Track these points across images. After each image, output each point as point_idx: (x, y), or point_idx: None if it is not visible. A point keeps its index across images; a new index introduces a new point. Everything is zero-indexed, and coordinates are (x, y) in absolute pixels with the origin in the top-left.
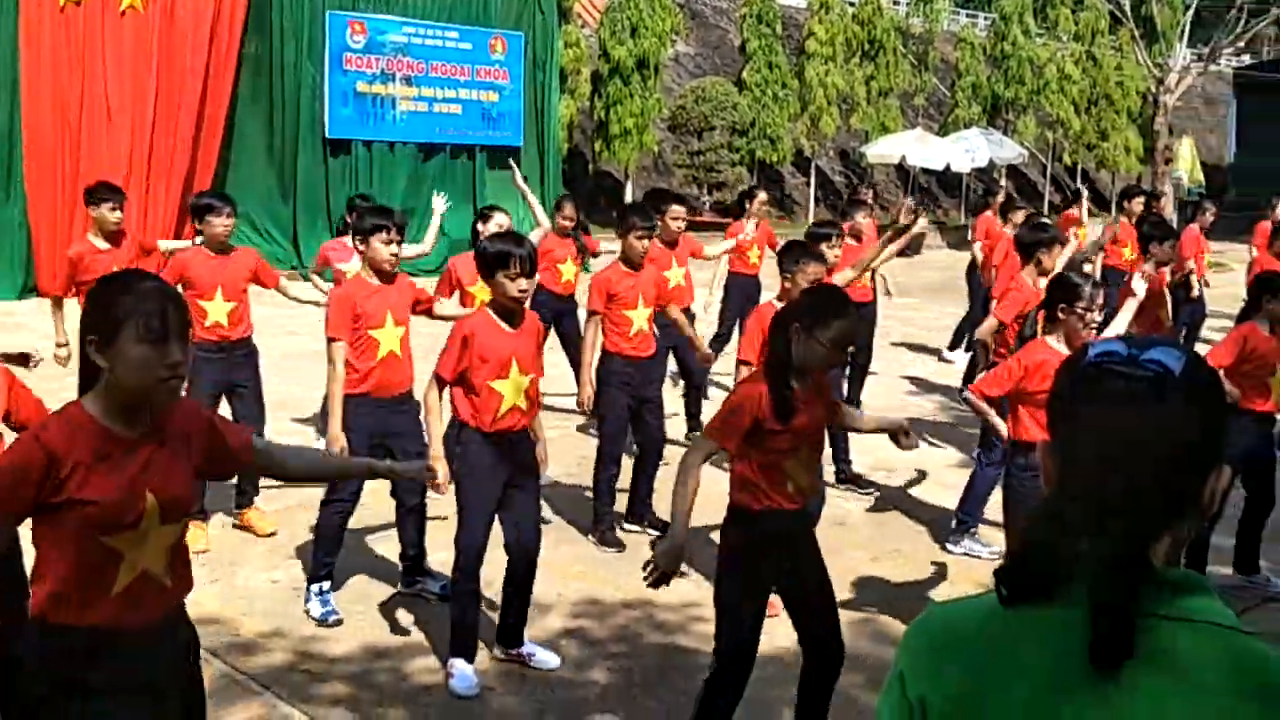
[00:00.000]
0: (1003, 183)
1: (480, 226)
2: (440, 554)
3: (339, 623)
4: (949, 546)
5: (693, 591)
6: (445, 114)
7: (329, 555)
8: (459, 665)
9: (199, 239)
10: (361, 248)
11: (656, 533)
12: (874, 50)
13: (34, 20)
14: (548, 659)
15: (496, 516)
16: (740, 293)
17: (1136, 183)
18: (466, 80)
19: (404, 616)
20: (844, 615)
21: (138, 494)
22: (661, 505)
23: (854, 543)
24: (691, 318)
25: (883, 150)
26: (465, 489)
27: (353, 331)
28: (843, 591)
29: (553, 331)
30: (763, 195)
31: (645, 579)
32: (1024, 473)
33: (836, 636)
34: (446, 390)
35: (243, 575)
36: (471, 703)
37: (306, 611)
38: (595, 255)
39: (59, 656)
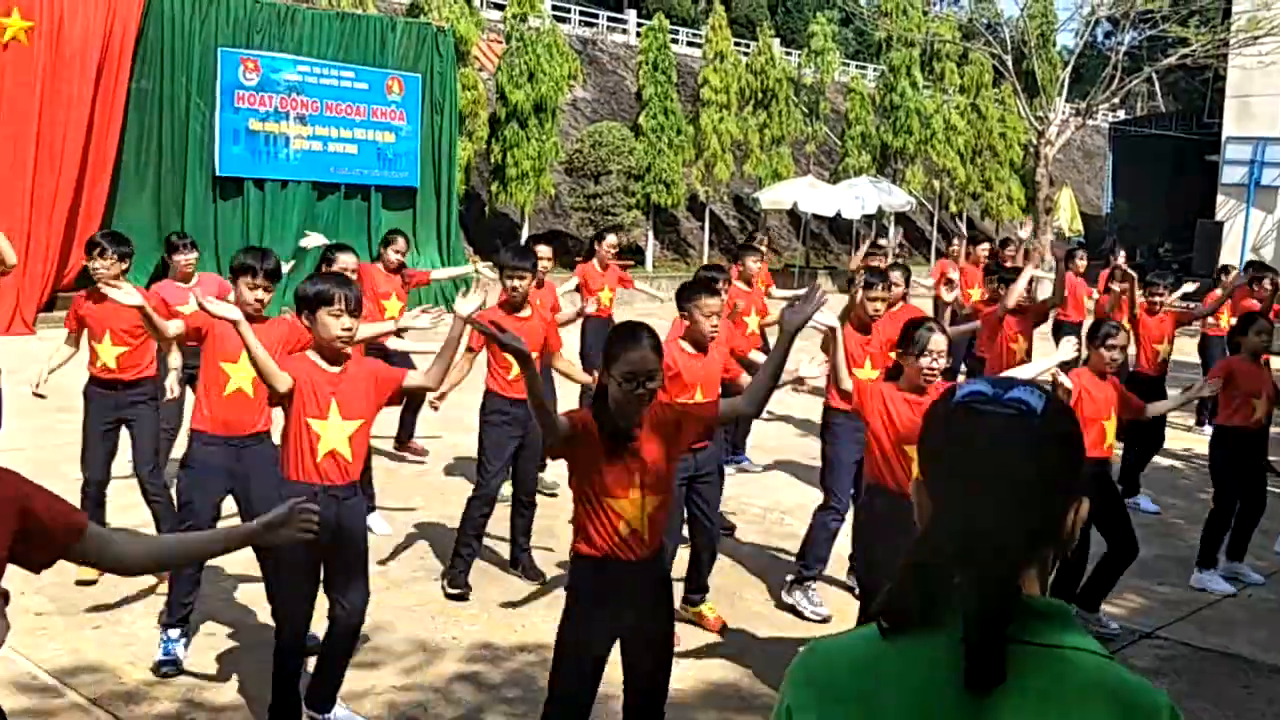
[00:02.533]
0: (891, 230)
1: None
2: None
3: (177, 673)
4: (783, 596)
5: None
6: (340, 154)
7: (188, 596)
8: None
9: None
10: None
11: (532, 581)
12: (767, 99)
13: None
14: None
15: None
16: (596, 337)
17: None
18: (362, 120)
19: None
20: (742, 657)
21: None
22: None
23: (750, 583)
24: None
25: (776, 196)
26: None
27: (204, 359)
28: (741, 632)
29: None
30: (612, 238)
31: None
32: (869, 512)
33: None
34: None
35: (127, 620)
36: None
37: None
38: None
39: None
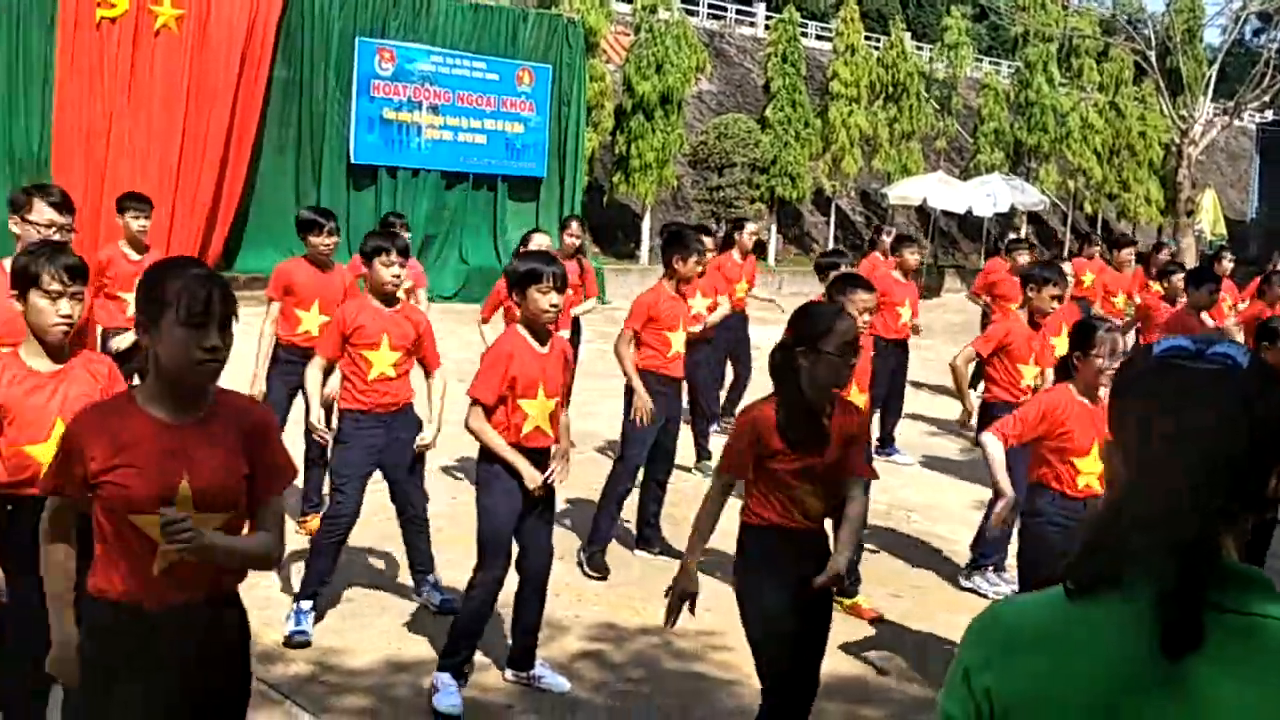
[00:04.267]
0: (1023, 229)
1: (521, 249)
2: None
3: (305, 644)
4: (961, 580)
5: (714, 621)
6: (469, 143)
7: (324, 573)
8: (444, 680)
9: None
10: (365, 269)
11: (669, 558)
12: (897, 93)
13: (70, 36)
14: (557, 682)
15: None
16: (728, 330)
17: (1158, 234)
18: (492, 110)
19: (423, 630)
20: (866, 651)
21: (170, 481)
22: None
23: (876, 578)
24: None
25: (904, 192)
26: (483, 506)
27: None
28: (861, 627)
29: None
30: (752, 226)
31: (665, 619)
32: (1037, 518)
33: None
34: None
35: (264, 584)
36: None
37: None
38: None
39: (97, 628)
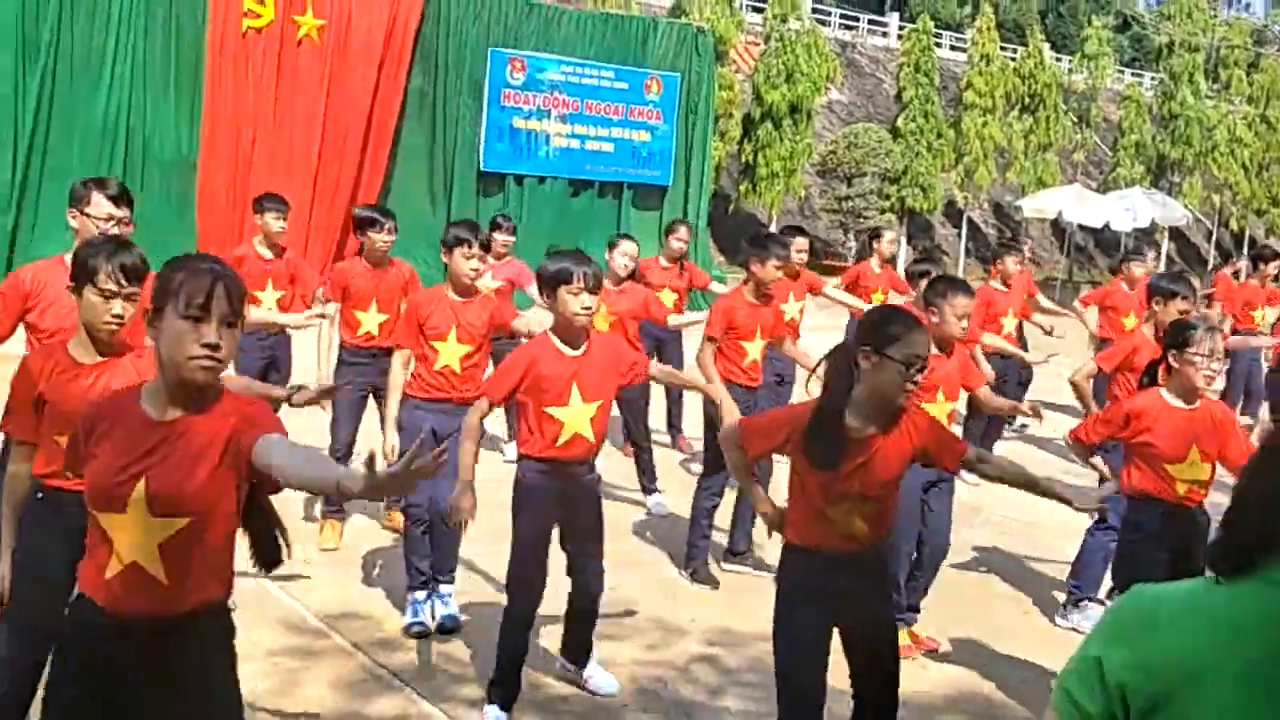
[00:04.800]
0: (1164, 245)
1: (608, 255)
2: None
3: (423, 634)
4: (1058, 620)
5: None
6: (596, 151)
7: (420, 560)
8: (493, 713)
9: None
10: (445, 259)
11: (760, 573)
12: (1034, 104)
13: (219, 45)
14: (607, 683)
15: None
16: None
17: None
18: (620, 119)
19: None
20: (990, 667)
21: (128, 477)
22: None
23: (1003, 595)
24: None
25: (1039, 205)
26: (515, 534)
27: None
28: (989, 643)
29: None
30: (890, 234)
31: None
32: (1136, 532)
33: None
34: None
35: (387, 574)
36: (606, 712)
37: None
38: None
39: (72, 622)
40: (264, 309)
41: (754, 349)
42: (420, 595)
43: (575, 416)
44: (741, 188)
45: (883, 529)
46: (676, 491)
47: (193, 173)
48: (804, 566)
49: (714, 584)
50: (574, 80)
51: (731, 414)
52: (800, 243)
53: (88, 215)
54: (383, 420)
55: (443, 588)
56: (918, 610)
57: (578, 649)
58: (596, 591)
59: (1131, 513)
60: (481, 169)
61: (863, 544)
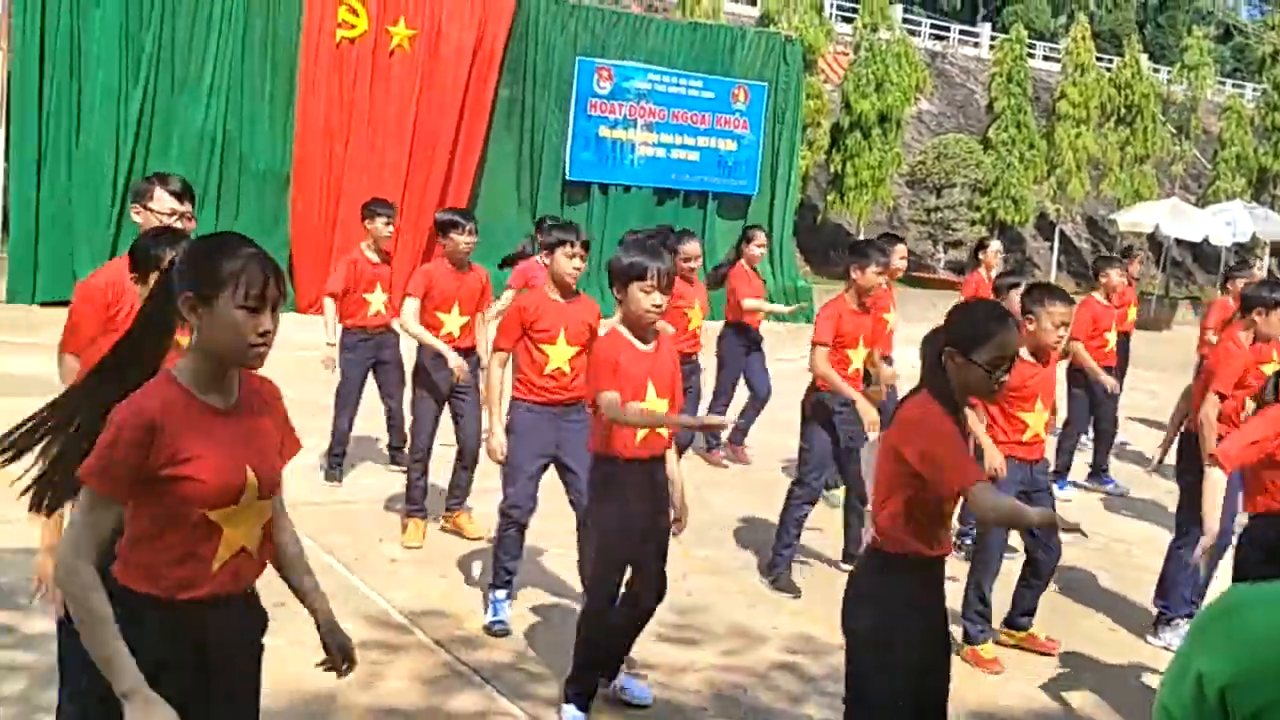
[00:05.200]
0: (1265, 260)
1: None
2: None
3: (504, 633)
4: (1149, 639)
5: None
6: (682, 160)
7: (509, 564)
8: (570, 712)
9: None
10: (547, 261)
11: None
12: (1130, 115)
13: (314, 56)
14: (642, 693)
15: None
16: None
17: None
18: (706, 128)
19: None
20: (1075, 681)
21: (238, 468)
22: None
23: (1084, 612)
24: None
25: (1135, 218)
26: (597, 531)
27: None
28: (1074, 657)
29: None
30: (996, 245)
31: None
32: (1257, 552)
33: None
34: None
35: (467, 574)
36: (681, 714)
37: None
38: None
39: (141, 628)
40: (372, 311)
41: (857, 358)
42: (502, 594)
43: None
44: (829, 198)
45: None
46: (758, 496)
47: (286, 182)
48: (918, 577)
49: (795, 592)
50: (660, 89)
51: (870, 419)
52: (901, 249)
53: (151, 210)
54: (490, 423)
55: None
56: (1032, 615)
57: (616, 660)
58: (653, 606)
59: (1262, 530)
60: (567, 178)
61: (948, 548)
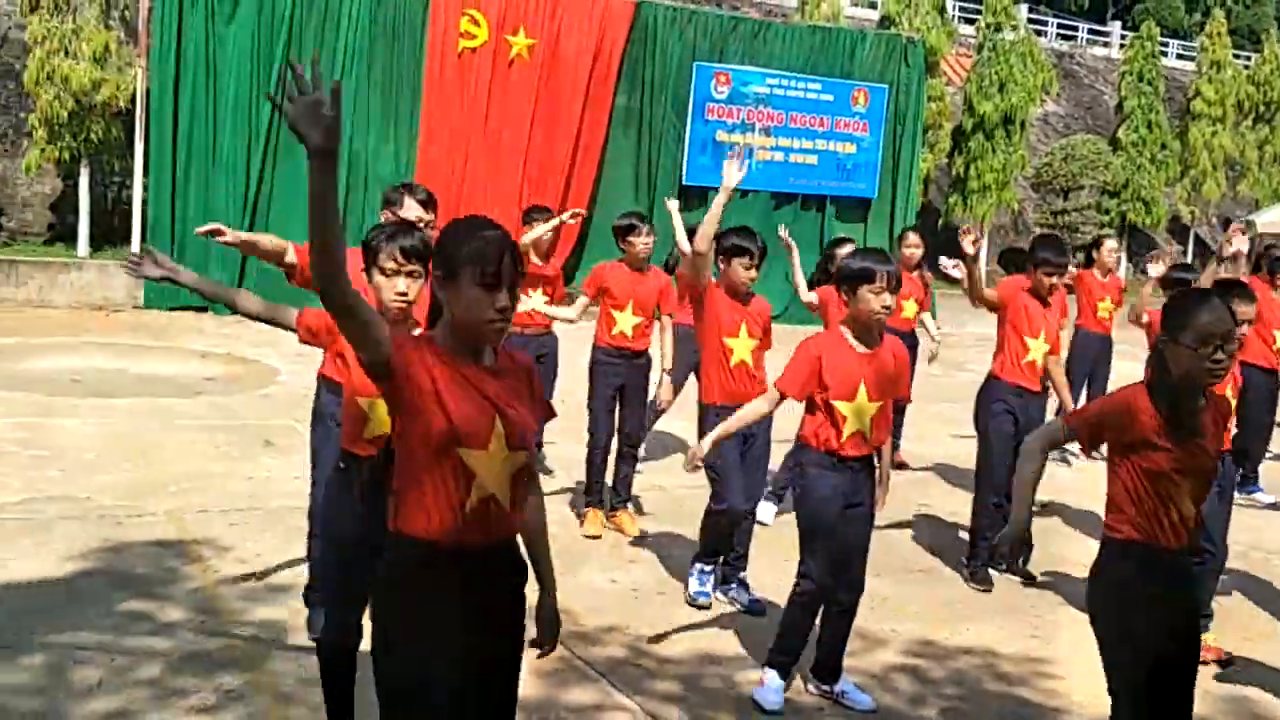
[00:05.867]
0: None
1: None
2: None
3: (706, 606)
4: None
5: (1042, 649)
6: (799, 164)
7: (714, 545)
8: (770, 676)
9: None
10: (723, 266)
11: (1013, 576)
12: (1270, 113)
13: (437, 67)
14: (863, 700)
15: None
16: (1084, 351)
17: None
18: (825, 131)
19: (736, 626)
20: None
21: (487, 415)
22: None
23: (1230, 621)
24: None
25: (1275, 219)
26: (804, 512)
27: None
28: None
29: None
30: (1112, 243)
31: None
32: None
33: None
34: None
35: (585, 573)
36: (802, 716)
37: (686, 587)
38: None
39: (407, 567)
40: (528, 305)
41: (1037, 350)
42: (708, 567)
43: (858, 413)
44: (951, 200)
45: (1196, 523)
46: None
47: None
48: (1146, 565)
49: (990, 588)
50: (779, 93)
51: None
52: (910, 239)
53: (399, 216)
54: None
55: (742, 575)
56: (1210, 616)
57: (831, 665)
58: (852, 603)
59: None
60: (684, 183)
61: (1190, 538)
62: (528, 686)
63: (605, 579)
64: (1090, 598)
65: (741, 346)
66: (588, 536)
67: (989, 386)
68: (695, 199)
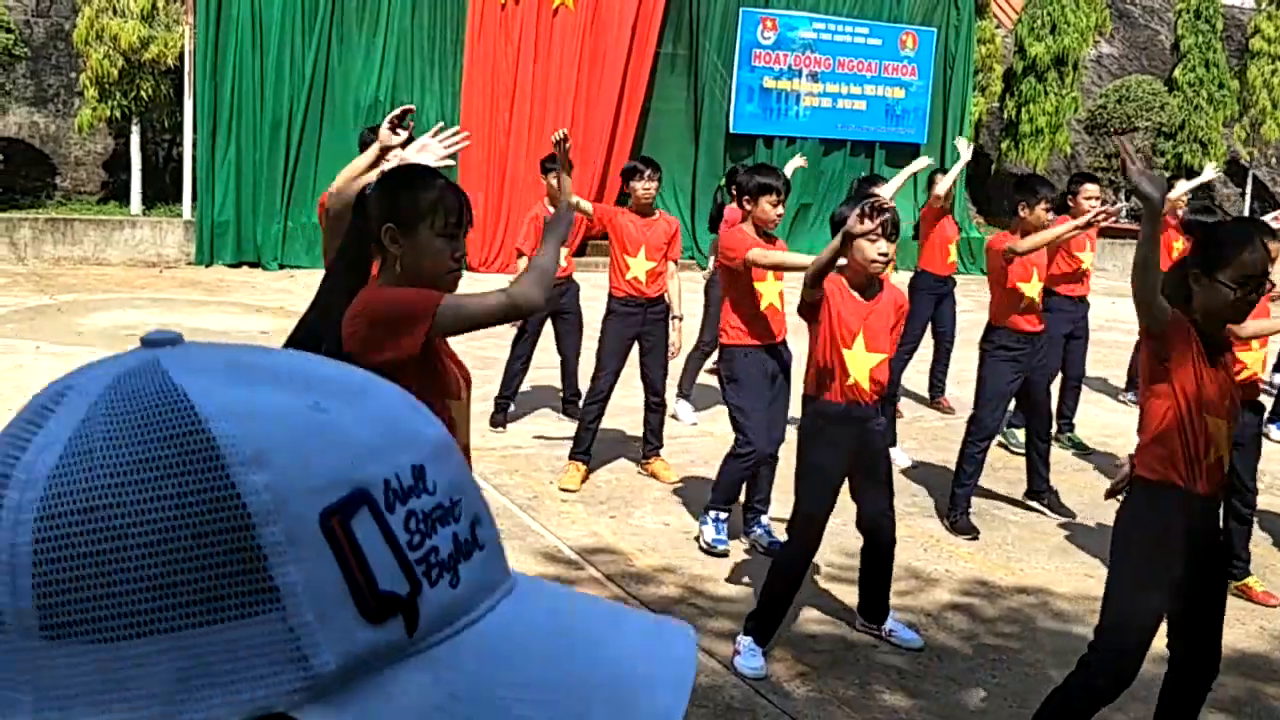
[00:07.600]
0: None
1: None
2: None
3: (724, 554)
4: None
5: (1095, 587)
6: (848, 110)
7: (731, 492)
8: (745, 643)
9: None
10: (749, 206)
11: (1055, 515)
12: None
13: (479, 19)
14: (911, 638)
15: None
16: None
17: None
18: (873, 76)
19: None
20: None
21: (462, 369)
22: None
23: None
24: None
25: None
26: (803, 468)
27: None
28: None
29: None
30: (1092, 188)
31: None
32: None
33: (1213, 660)
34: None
35: (638, 515)
36: (854, 652)
37: (699, 537)
38: None
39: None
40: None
41: (1031, 290)
42: (724, 514)
43: (858, 363)
44: (1003, 145)
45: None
46: (938, 443)
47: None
48: (1170, 507)
49: (973, 534)
50: (826, 38)
51: None
52: (1090, 189)
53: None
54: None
55: (764, 518)
56: (1248, 561)
57: (875, 605)
58: (889, 541)
59: None
60: (731, 131)
61: (1220, 483)
62: None
63: (658, 522)
64: (1115, 533)
65: (770, 290)
66: (563, 489)
67: (992, 336)
68: (742, 148)
